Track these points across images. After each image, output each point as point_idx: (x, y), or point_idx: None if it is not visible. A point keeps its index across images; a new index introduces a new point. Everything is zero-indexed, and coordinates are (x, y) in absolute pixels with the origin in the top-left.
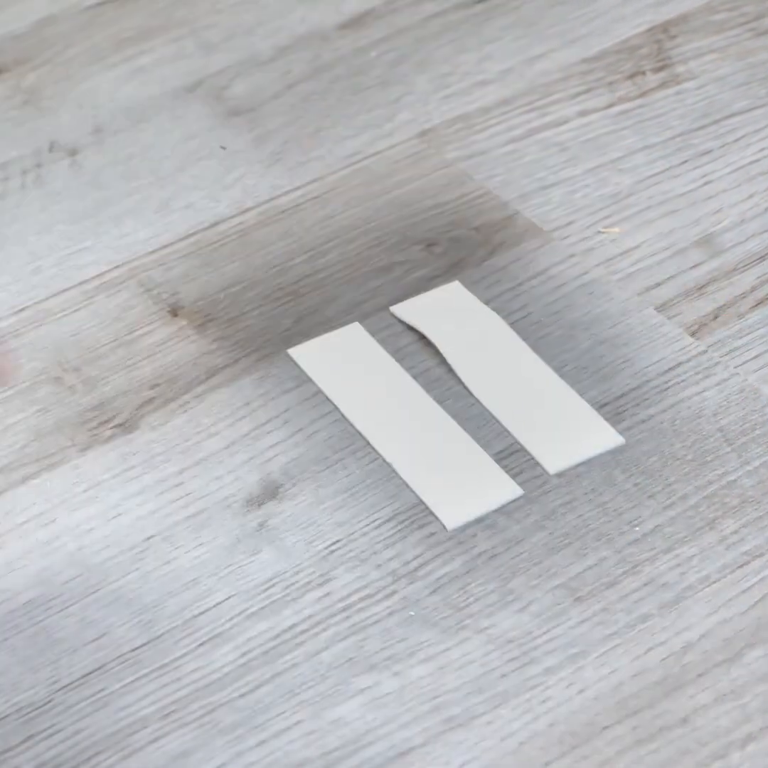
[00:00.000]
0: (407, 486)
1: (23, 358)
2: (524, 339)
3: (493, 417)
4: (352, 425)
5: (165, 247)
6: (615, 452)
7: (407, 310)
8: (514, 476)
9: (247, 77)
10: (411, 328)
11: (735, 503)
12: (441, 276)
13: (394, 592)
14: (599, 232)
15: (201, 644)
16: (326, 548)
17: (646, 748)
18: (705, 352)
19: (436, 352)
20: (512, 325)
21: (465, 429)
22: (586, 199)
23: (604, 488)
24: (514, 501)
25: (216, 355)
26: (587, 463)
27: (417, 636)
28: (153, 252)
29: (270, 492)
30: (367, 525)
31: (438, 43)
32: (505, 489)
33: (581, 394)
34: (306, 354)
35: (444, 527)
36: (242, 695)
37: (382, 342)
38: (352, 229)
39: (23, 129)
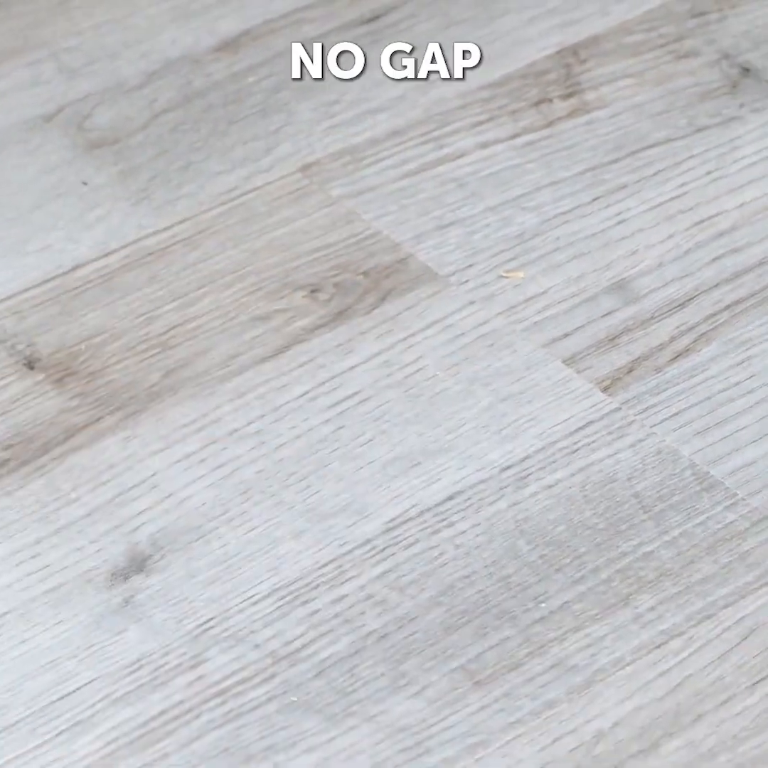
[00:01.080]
0: (288, 558)
1: None
2: (418, 395)
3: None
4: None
5: (19, 293)
6: (519, 521)
7: None
8: (408, 546)
9: (111, 105)
10: (293, 384)
11: (651, 577)
12: (326, 325)
13: (273, 676)
14: (501, 276)
15: (61, 732)
16: (199, 627)
17: None
18: (618, 409)
19: (323, 408)
20: (405, 379)
21: (354, 492)
22: (487, 241)
23: (506, 561)
24: (407, 574)
25: (76, 412)
26: (488, 533)
27: (299, 724)
28: (6, 299)
29: (136, 564)
30: (244, 601)
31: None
32: None
33: (481, 456)
34: None
35: (329, 604)
36: None
37: (261, 397)
38: (227, 274)
39: None
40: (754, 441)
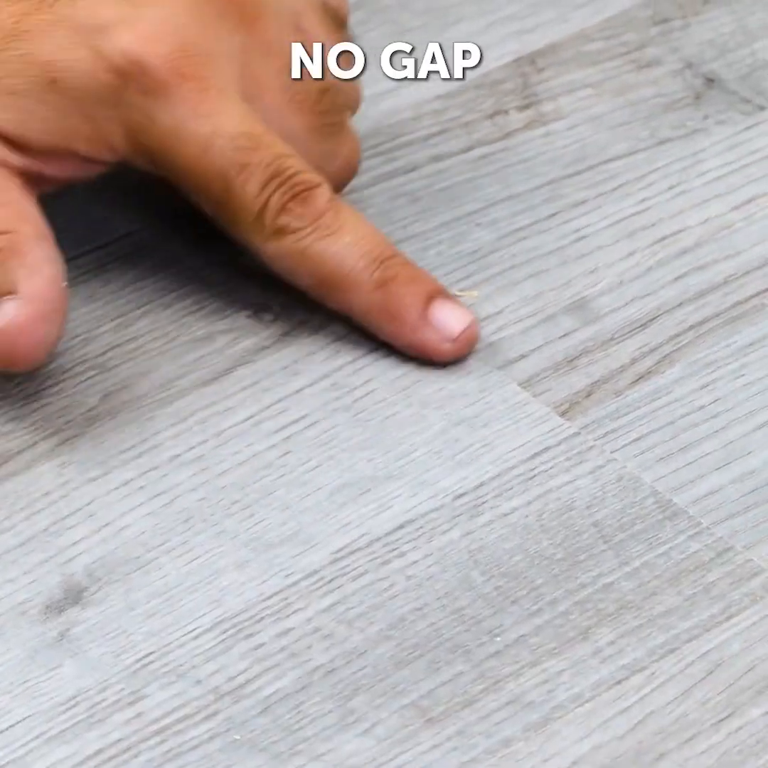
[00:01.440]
0: (232, 590)
1: None
2: (368, 419)
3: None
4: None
5: None
6: (473, 551)
7: None
8: (357, 577)
9: None
10: (236, 407)
11: (612, 609)
12: (271, 346)
13: (216, 712)
14: (455, 294)
15: None
16: (137, 661)
17: None
18: (577, 434)
19: (268, 433)
20: (354, 403)
21: (300, 521)
22: (440, 258)
23: (460, 592)
24: (356, 607)
25: (10, 438)
26: (440, 563)
27: (243, 763)
28: None
29: (72, 596)
30: (185, 635)
31: None
32: None
33: (433, 482)
34: None
35: (275, 637)
36: None
37: (203, 422)
38: (167, 293)
39: None
40: (718, 467)
